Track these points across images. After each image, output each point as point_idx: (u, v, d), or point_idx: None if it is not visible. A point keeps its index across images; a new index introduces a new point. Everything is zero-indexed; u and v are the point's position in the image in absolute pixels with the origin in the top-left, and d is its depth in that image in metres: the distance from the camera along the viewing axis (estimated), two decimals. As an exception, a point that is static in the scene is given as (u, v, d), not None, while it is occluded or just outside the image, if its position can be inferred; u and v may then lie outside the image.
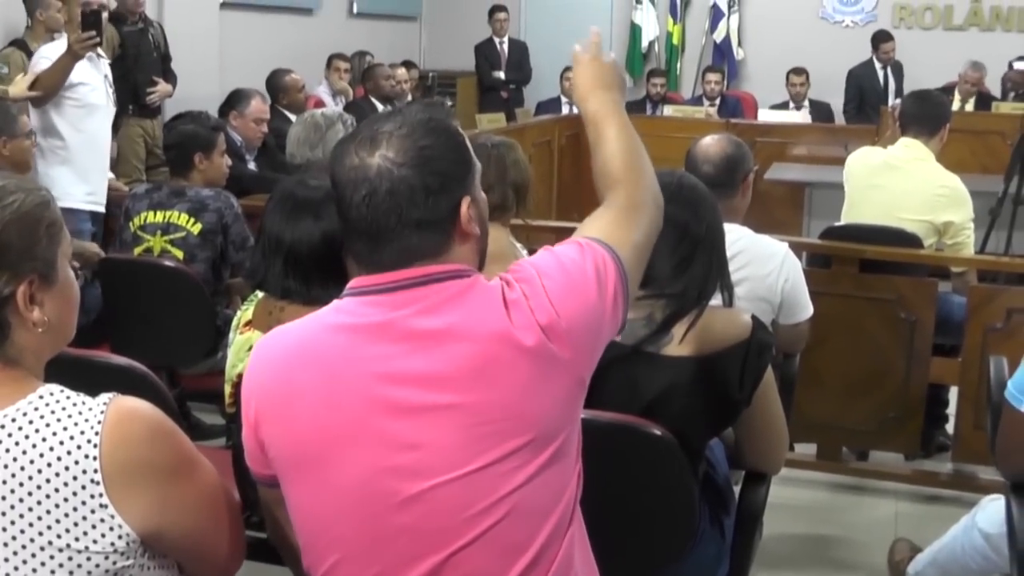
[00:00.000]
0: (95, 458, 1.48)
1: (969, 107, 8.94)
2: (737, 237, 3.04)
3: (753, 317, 2.33)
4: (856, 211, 4.60)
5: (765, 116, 9.66)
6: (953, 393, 4.33)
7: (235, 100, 5.44)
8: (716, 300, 2.41)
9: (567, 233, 1.81)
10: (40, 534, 1.47)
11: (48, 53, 4.96)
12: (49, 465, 1.47)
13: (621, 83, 2.06)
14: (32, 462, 1.47)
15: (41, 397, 1.52)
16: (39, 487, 1.47)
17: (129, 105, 6.48)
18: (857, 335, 4.19)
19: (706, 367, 2.28)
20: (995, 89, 9.44)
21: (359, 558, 1.64)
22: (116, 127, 6.08)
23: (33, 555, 1.47)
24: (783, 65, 10.13)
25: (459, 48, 11.13)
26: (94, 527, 1.48)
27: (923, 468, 4.43)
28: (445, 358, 1.60)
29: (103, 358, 2.52)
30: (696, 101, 10.34)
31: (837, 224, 4.61)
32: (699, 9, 11.56)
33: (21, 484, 1.47)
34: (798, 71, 9.93)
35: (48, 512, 1.47)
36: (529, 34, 11.58)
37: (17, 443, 1.48)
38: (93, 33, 4.71)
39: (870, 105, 9.67)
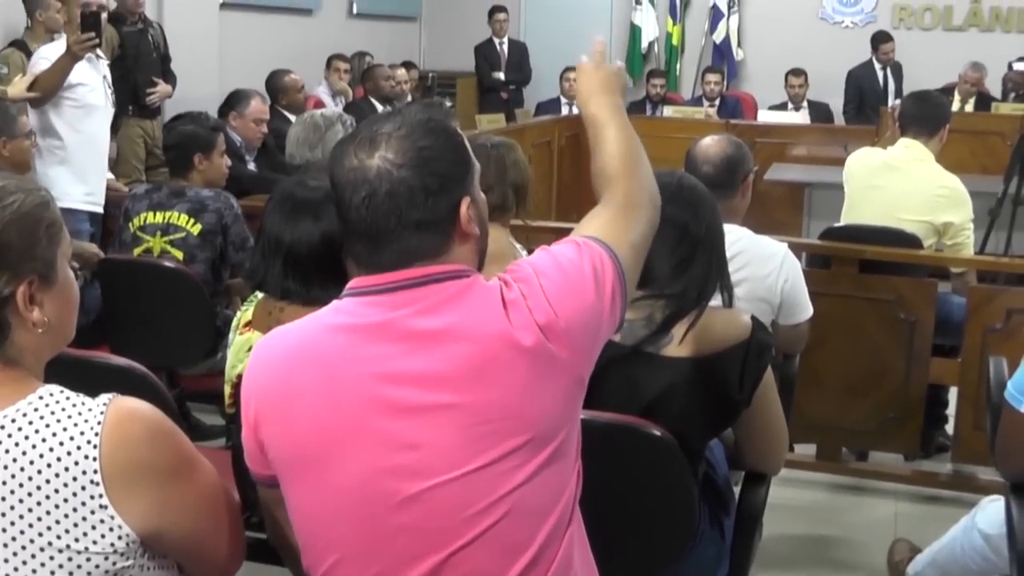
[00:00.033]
0: (95, 459, 1.48)
1: (969, 108, 8.94)
2: (737, 238, 3.04)
3: (753, 318, 2.33)
4: (856, 212, 4.60)
5: (765, 117, 9.67)
6: (953, 394, 4.33)
7: (235, 100, 5.44)
8: (716, 301, 2.41)
9: (567, 234, 1.80)
10: (40, 535, 1.47)
11: (47, 54, 4.96)
12: (49, 466, 1.47)
13: (623, 87, 2.08)
14: (32, 463, 1.47)
15: (41, 398, 1.52)
16: (39, 488, 1.47)
17: (129, 106, 6.48)
18: (857, 335, 4.19)
19: (706, 368, 2.28)
20: (995, 90, 9.44)
21: (359, 558, 1.64)
22: (116, 127, 6.09)
23: (33, 556, 1.47)
24: (783, 66, 10.14)
25: (459, 49, 11.13)
26: (94, 528, 1.48)
27: (923, 469, 4.43)
28: (444, 358, 1.60)
29: (103, 359, 2.52)
30: (696, 102, 10.34)
31: (837, 225, 4.62)
32: (699, 10, 11.56)
33: (21, 485, 1.47)
34: (797, 72, 9.93)
35: (48, 513, 1.47)
36: (529, 35, 11.58)
37: (17, 444, 1.48)
38: (92, 34, 4.71)
39: (870, 106, 9.67)
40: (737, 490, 2.58)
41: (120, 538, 1.50)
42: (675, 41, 11.61)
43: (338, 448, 1.62)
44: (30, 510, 1.47)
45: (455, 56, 11.30)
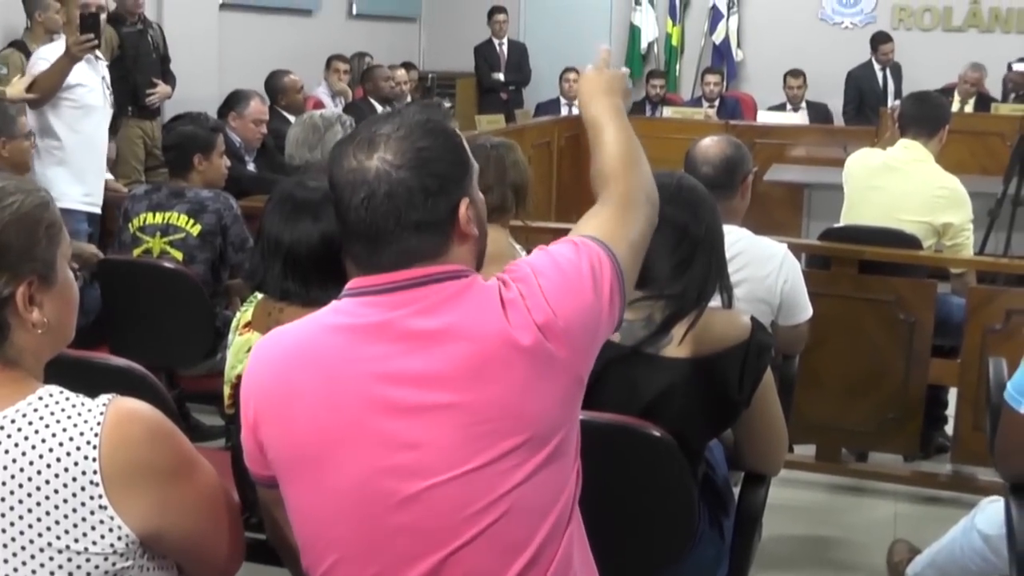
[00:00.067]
0: (94, 459, 1.48)
1: (969, 108, 8.94)
2: (736, 238, 3.04)
3: (752, 318, 2.33)
4: (855, 212, 4.60)
5: (764, 117, 9.67)
6: (952, 394, 4.33)
7: (234, 101, 5.44)
8: (715, 301, 2.41)
9: (566, 234, 1.80)
10: (39, 535, 1.47)
11: (46, 54, 4.96)
12: (48, 466, 1.47)
13: (624, 90, 2.08)
14: (31, 463, 1.47)
15: (40, 398, 1.52)
16: (38, 488, 1.47)
17: (128, 106, 6.48)
18: (856, 336, 4.19)
19: (705, 368, 2.28)
20: (994, 90, 9.44)
21: (358, 558, 1.64)
22: (115, 128, 6.09)
23: (32, 556, 1.47)
24: (782, 66, 10.14)
25: (458, 49, 11.13)
26: (93, 528, 1.48)
27: (922, 469, 4.43)
28: (443, 358, 1.60)
29: (102, 359, 2.52)
30: (695, 102, 10.34)
31: (836, 225, 4.62)
32: (698, 10, 11.56)
33: (20, 485, 1.47)
34: (795, 73, 9.93)
35: (47, 513, 1.47)
36: (528, 35, 11.58)
37: (16, 444, 1.48)
38: (91, 35, 4.70)
39: (869, 106, 9.67)
40: (737, 491, 2.58)
41: (120, 539, 1.50)
42: (675, 42, 11.61)
43: (337, 448, 1.62)
44: (30, 511, 1.47)
45: (455, 57, 11.30)
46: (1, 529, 1.47)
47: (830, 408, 4.22)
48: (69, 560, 1.48)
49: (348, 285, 1.69)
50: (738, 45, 11.43)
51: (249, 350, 2.17)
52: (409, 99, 8.46)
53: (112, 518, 1.49)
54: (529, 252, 1.80)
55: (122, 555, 1.51)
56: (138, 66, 6.55)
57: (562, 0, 11.71)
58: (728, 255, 2.53)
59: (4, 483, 1.47)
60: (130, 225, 4.10)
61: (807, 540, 3.92)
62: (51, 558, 1.48)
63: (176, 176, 4.21)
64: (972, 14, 10.76)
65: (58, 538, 1.47)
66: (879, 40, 10.12)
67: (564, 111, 9.80)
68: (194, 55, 7.37)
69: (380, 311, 1.63)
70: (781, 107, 9.93)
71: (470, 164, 1.72)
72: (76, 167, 5.00)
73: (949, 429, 4.46)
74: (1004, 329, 4.02)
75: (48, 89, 4.84)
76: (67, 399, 1.53)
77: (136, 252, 4.06)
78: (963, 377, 4.15)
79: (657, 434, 2.19)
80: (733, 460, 2.58)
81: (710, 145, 3.23)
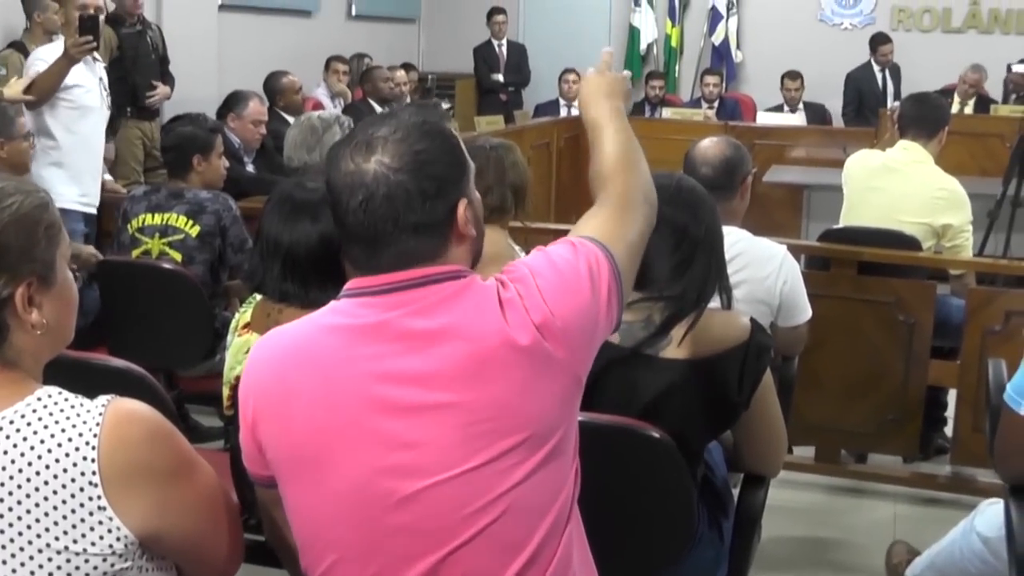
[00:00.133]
0: (93, 460, 1.48)
1: (968, 110, 8.94)
2: (736, 239, 3.04)
3: (752, 319, 2.33)
4: (855, 213, 4.60)
5: (764, 119, 9.67)
6: (952, 396, 4.33)
7: (233, 102, 5.44)
8: (715, 302, 2.40)
9: (565, 235, 1.80)
10: (38, 536, 1.47)
11: (44, 55, 4.95)
12: (47, 467, 1.47)
13: (625, 92, 2.08)
14: (30, 464, 1.47)
15: (39, 399, 1.52)
16: (37, 489, 1.47)
17: (127, 107, 6.47)
18: (856, 337, 4.19)
19: (705, 369, 2.27)
20: (994, 91, 9.44)
21: (357, 558, 1.64)
22: (114, 129, 6.10)
23: (31, 557, 1.47)
24: (781, 67, 10.14)
25: (458, 50, 11.13)
26: (92, 529, 1.48)
27: (922, 471, 4.43)
28: (440, 357, 1.61)
29: (101, 360, 2.52)
30: (695, 103, 10.33)
31: (836, 226, 4.62)
32: (697, 11, 11.57)
33: (19, 486, 1.47)
34: (793, 75, 9.93)
35: (46, 514, 1.47)
36: (528, 36, 11.58)
37: (15, 445, 1.48)
38: (90, 37, 4.70)
39: (869, 108, 9.67)
40: (736, 492, 2.58)
41: (119, 539, 1.50)
42: (674, 43, 11.61)
43: (335, 448, 1.62)
44: (28, 511, 1.47)
45: (454, 58, 11.30)
46: (0, 530, 1.47)
47: (829, 409, 4.22)
48: (68, 561, 1.48)
49: (346, 286, 1.70)
50: (737, 46, 11.43)
51: (248, 351, 2.17)
52: (408, 100, 8.45)
53: (111, 519, 1.49)
54: (528, 253, 1.80)
55: (121, 556, 1.51)
56: (137, 67, 6.54)
57: (561, 1, 11.71)
58: (727, 256, 2.53)
59: (3, 484, 1.47)
60: (129, 226, 4.10)
61: (806, 541, 3.92)
62: (50, 559, 1.48)
63: (175, 177, 4.21)
64: (971, 15, 10.76)
65: (57, 539, 1.47)
66: (878, 41, 10.12)
67: (563, 112, 9.80)
68: (193, 56, 7.36)
69: (378, 311, 1.64)
70: (779, 108, 9.93)
71: (467, 165, 1.72)
72: (72, 168, 4.99)
73: (948, 430, 4.46)
74: (1003, 330, 4.02)
75: (46, 90, 4.84)
76: (66, 400, 1.53)
77: (135, 253, 4.06)
78: (962, 378, 4.15)
79: (656, 435, 2.19)
80: (732, 461, 2.58)
81: (709, 146, 3.22)
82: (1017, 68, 9.05)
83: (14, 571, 1.47)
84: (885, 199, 4.45)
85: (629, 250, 1.81)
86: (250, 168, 5.45)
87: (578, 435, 1.75)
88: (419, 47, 11.98)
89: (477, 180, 1.78)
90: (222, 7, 8.24)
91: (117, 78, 5.90)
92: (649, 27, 11.60)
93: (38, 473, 1.47)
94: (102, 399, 1.54)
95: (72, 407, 1.52)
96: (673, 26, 11.57)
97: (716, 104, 10.06)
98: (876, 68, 10.08)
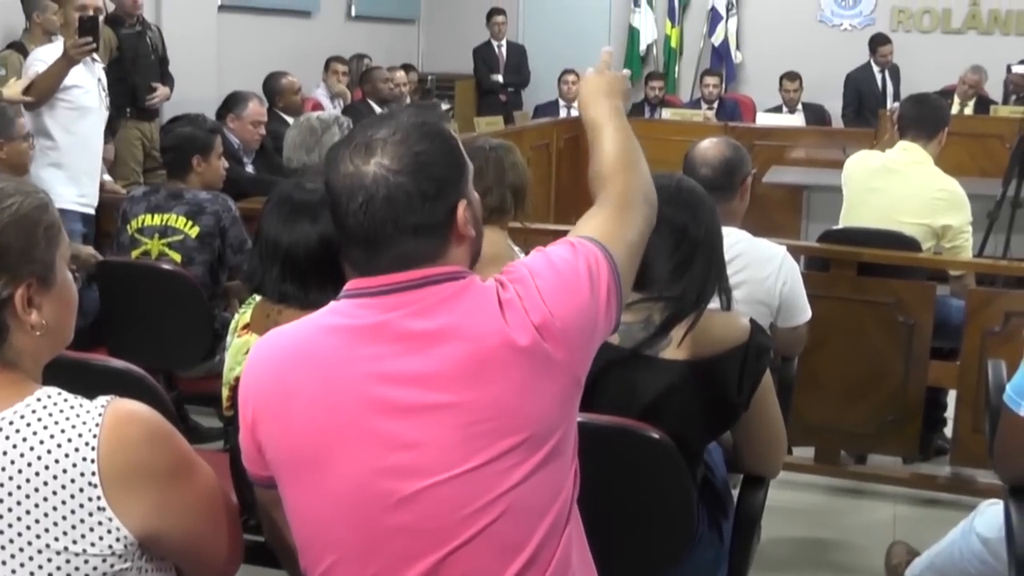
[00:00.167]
0: (93, 461, 1.48)
1: (968, 111, 8.94)
2: (735, 240, 3.04)
3: (751, 320, 2.33)
4: (854, 214, 4.60)
5: (763, 119, 9.67)
6: (951, 396, 4.33)
7: (232, 103, 5.44)
8: (714, 303, 2.40)
9: (565, 236, 1.80)
10: (38, 537, 1.47)
11: (42, 55, 4.95)
12: (47, 468, 1.47)
13: (624, 91, 2.08)
14: (30, 465, 1.47)
15: (39, 400, 1.52)
16: (37, 490, 1.47)
17: (127, 108, 6.48)
18: (855, 338, 4.19)
19: (704, 370, 2.27)
20: (994, 92, 9.45)
21: (356, 559, 1.64)
22: (114, 130, 6.09)
23: (31, 558, 1.47)
24: (781, 68, 10.15)
25: (457, 51, 11.14)
26: (92, 530, 1.48)
27: (921, 471, 4.43)
28: (440, 358, 1.61)
29: (101, 361, 2.52)
30: (694, 104, 10.34)
31: (835, 227, 4.62)
32: (697, 12, 11.57)
33: (19, 487, 1.47)
34: (791, 76, 9.93)
35: (46, 515, 1.47)
36: (527, 37, 11.58)
37: (15, 446, 1.48)
38: (90, 39, 4.70)
39: (868, 108, 9.68)
40: (735, 493, 2.58)
41: (118, 540, 1.50)
42: (674, 43, 11.62)
43: (335, 448, 1.62)
44: (28, 512, 1.47)
45: (454, 58, 11.30)
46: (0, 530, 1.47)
47: (829, 410, 4.22)
48: (67, 562, 1.48)
49: (346, 287, 1.70)
50: (737, 47, 11.43)
51: (248, 352, 2.17)
52: (408, 101, 8.45)
53: (110, 519, 1.49)
54: (527, 254, 1.80)
55: (120, 556, 1.51)
56: (137, 68, 6.54)
57: (561, 2, 11.72)
58: (727, 257, 2.53)
59: (2, 484, 1.47)
60: (128, 227, 4.09)
61: (806, 542, 3.92)
62: (49, 559, 1.47)
63: (174, 178, 4.21)
64: (971, 16, 10.76)
65: (56, 539, 1.47)
66: (878, 42, 10.12)
67: (563, 113, 9.80)
68: (193, 56, 7.36)
69: (377, 312, 1.64)
70: (777, 109, 9.93)
71: (466, 165, 1.73)
72: (71, 168, 4.99)
73: (948, 431, 4.46)
74: (1003, 331, 4.02)
75: (45, 91, 4.83)
76: (66, 401, 1.53)
77: (134, 254, 4.06)
78: (962, 379, 4.15)
79: (656, 436, 2.18)
80: (732, 462, 2.58)
81: (709, 147, 3.22)
82: (1017, 69, 9.05)
83: (13, 572, 1.47)
84: (885, 200, 4.45)
85: (629, 250, 1.81)
86: (249, 169, 5.45)
87: (577, 436, 1.75)
88: (419, 48, 11.98)
89: (476, 181, 1.78)
90: (221, 8, 8.24)
91: (116, 79, 5.90)
92: (649, 28, 11.61)
93: (38, 474, 1.47)
94: (101, 400, 1.54)
95: (72, 408, 1.52)
96: (673, 27, 11.58)
97: (716, 105, 10.06)
98: (876, 69, 10.08)
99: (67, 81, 4.88)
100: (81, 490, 1.47)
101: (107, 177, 5.51)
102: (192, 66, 7.27)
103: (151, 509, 1.52)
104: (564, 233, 1.83)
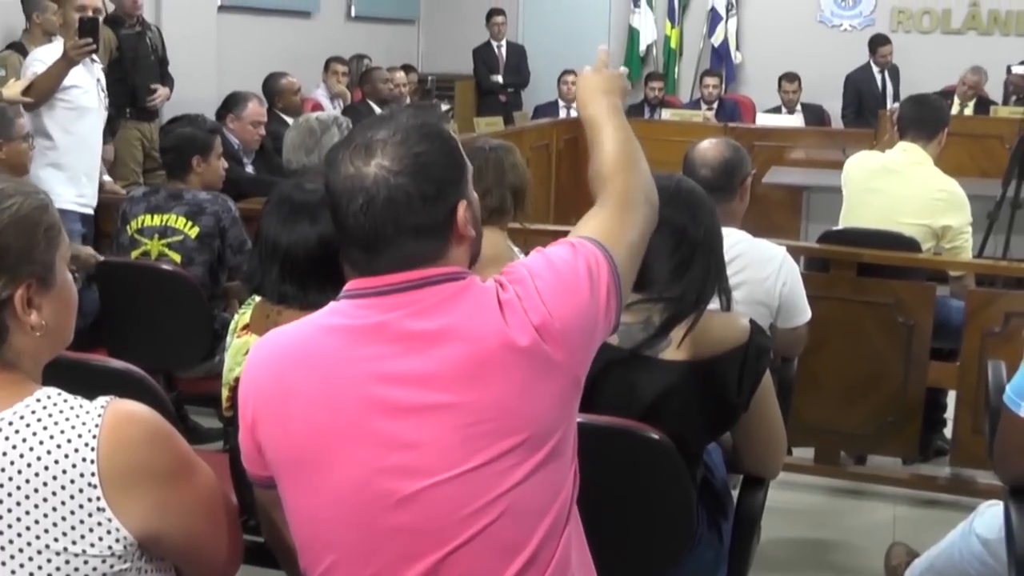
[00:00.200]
0: (92, 461, 1.48)
1: (968, 111, 8.94)
2: (735, 241, 3.04)
3: (751, 321, 2.33)
4: (854, 215, 4.60)
5: (763, 120, 9.68)
6: (951, 397, 4.33)
7: (232, 103, 5.44)
8: (714, 304, 2.40)
9: (565, 237, 1.80)
10: (37, 537, 1.47)
11: (42, 56, 4.95)
12: (46, 468, 1.47)
13: (623, 89, 2.08)
14: (29, 465, 1.47)
15: (39, 400, 1.52)
16: (36, 490, 1.47)
17: (127, 108, 6.47)
18: (855, 339, 4.19)
19: (704, 371, 2.27)
20: (994, 93, 9.45)
21: (356, 559, 1.64)
22: (113, 130, 6.09)
23: (30, 558, 1.47)
24: (781, 69, 10.15)
25: (457, 51, 11.14)
26: (91, 530, 1.48)
27: (921, 472, 4.43)
28: (440, 358, 1.61)
29: (100, 361, 2.52)
30: (694, 105, 10.34)
31: (835, 228, 4.62)
32: (697, 13, 11.57)
33: (18, 487, 1.47)
34: (790, 77, 9.94)
35: (45, 515, 1.47)
36: (527, 38, 11.58)
37: (15, 446, 1.48)
38: (90, 40, 4.70)
39: (868, 109, 9.68)
40: (735, 494, 2.58)
41: (118, 541, 1.50)
42: (673, 44, 11.62)
43: (334, 448, 1.62)
44: (28, 513, 1.47)
45: (453, 59, 11.30)
46: (-1, 531, 1.47)
47: (829, 411, 4.22)
48: (67, 562, 1.48)
49: (345, 287, 1.70)
50: (737, 47, 11.43)
51: (247, 352, 2.17)
52: (408, 101, 8.45)
53: (110, 520, 1.49)
54: (527, 254, 1.80)
55: (120, 557, 1.51)
56: (136, 68, 6.54)
57: (561, 2, 11.72)
58: (727, 258, 2.53)
59: (2, 485, 1.47)
60: (128, 227, 4.09)
61: (806, 543, 3.92)
62: (49, 560, 1.47)
63: (174, 178, 4.21)
64: (971, 17, 10.77)
65: (56, 540, 1.47)
66: (878, 42, 10.13)
67: (563, 113, 9.80)
68: (192, 57, 7.36)
69: (377, 312, 1.64)
70: (777, 110, 9.93)
71: (466, 166, 1.73)
72: (70, 168, 4.98)
73: (948, 432, 4.46)
74: (1003, 332, 4.02)
75: (45, 91, 4.83)
76: (65, 401, 1.53)
77: (134, 254, 4.06)
78: (962, 380, 4.15)
79: (656, 437, 2.18)
80: (732, 463, 2.58)
81: (709, 147, 3.22)
82: (1017, 69, 9.05)
83: (13, 572, 1.47)
84: (884, 200, 4.45)
85: (629, 251, 1.81)
86: (249, 169, 5.45)
87: (577, 436, 1.75)
88: (418, 48, 11.98)
89: (476, 181, 1.78)
90: (221, 8, 8.25)
91: (116, 79, 5.90)
92: (648, 28, 11.61)
93: (37, 474, 1.47)
94: (101, 400, 1.53)
95: (71, 408, 1.52)
96: (672, 27, 11.58)
97: (715, 105, 10.07)
98: (875, 69, 10.09)
99: (66, 81, 4.88)
100: (81, 490, 1.47)
101: (107, 177, 5.51)
102: (192, 66, 7.27)
103: (151, 510, 1.52)
104: (564, 234, 1.83)
